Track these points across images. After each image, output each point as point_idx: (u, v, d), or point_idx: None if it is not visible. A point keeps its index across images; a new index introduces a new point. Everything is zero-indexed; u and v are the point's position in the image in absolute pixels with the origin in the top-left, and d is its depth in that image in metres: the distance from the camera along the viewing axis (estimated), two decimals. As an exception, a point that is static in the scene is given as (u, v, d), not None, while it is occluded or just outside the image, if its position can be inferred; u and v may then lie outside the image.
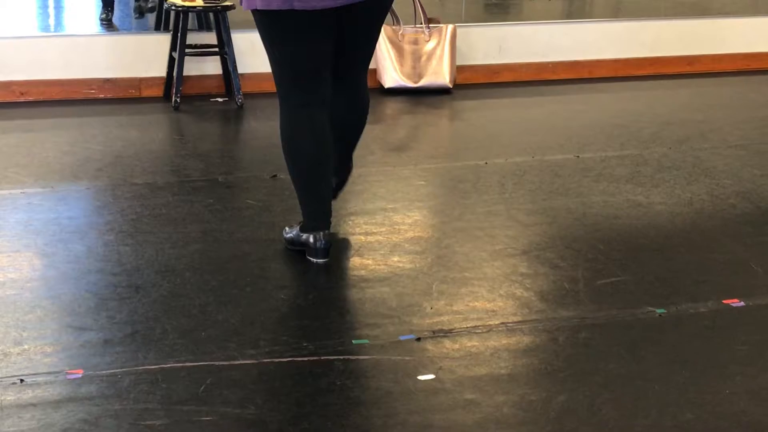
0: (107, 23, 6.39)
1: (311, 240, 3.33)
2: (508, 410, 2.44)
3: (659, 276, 3.27)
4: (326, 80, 3.26)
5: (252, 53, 5.88)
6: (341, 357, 2.70)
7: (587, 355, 2.74)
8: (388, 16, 5.87)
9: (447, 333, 2.84)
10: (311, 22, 3.12)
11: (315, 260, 3.33)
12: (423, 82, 5.98)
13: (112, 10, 6.39)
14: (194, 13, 5.86)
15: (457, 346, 2.77)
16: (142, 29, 6.52)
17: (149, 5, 6.35)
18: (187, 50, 5.57)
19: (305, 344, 2.76)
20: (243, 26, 5.84)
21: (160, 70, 5.80)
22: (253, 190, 4.11)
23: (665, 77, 6.61)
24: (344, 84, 3.36)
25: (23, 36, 5.92)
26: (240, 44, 5.75)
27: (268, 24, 3.20)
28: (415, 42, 5.94)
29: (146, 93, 5.82)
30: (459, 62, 6.21)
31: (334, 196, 3.49)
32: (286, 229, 3.48)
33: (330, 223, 3.36)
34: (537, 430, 2.35)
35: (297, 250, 3.40)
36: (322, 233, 3.32)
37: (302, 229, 3.37)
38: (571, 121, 5.41)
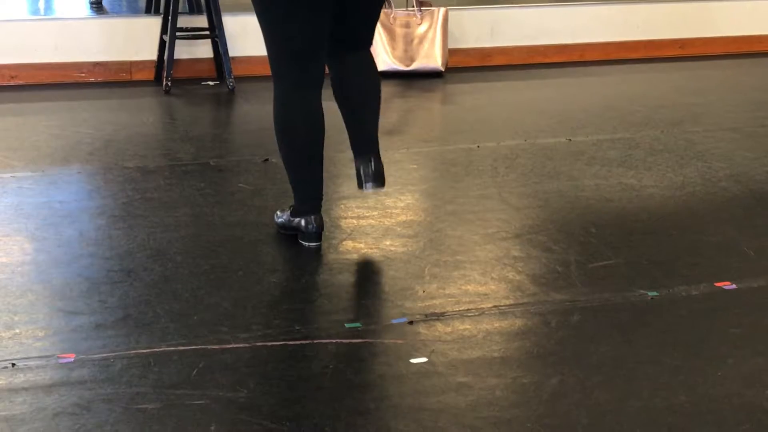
0: (97, 6, 6.36)
1: (303, 224, 3.32)
2: (500, 393, 2.44)
3: (651, 259, 3.27)
4: (321, 61, 3.25)
5: (243, 36, 5.86)
6: (333, 340, 2.70)
7: (579, 337, 2.74)
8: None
9: (439, 316, 2.84)
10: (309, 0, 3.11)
11: (307, 244, 3.33)
12: (415, 66, 5.96)
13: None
14: (185, -4, 5.84)
15: (449, 329, 2.77)
16: (133, 12, 6.49)
17: None
18: (177, 33, 5.55)
19: (297, 328, 2.76)
20: (234, 9, 5.82)
21: (150, 54, 5.78)
22: (244, 173, 4.10)
23: (657, 60, 6.60)
24: (350, 59, 3.33)
25: (13, 19, 5.89)
26: (231, 27, 5.73)
27: (266, 1, 3.18)
28: (407, 25, 5.93)
29: (137, 76, 5.80)
30: (451, 45, 6.20)
31: (383, 182, 3.37)
32: (278, 213, 3.48)
33: (321, 206, 3.36)
34: (529, 413, 2.35)
35: (289, 234, 3.40)
36: (313, 217, 3.32)
37: (293, 213, 3.36)
38: (563, 105, 5.41)
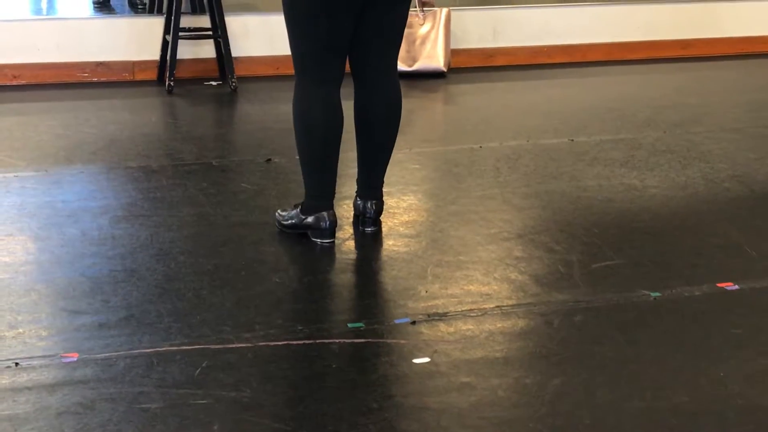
0: (100, 6, 6.36)
1: (316, 221, 3.32)
2: (503, 393, 2.44)
3: (654, 259, 3.28)
4: (343, 59, 3.27)
5: (246, 37, 5.87)
6: (336, 340, 2.70)
7: (582, 338, 2.74)
8: None
9: (442, 316, 2.84)
10: None
11: (321, 241, 3.33)
12: (417, 66, 5.96)
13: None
14: (188, -4, 5.84)
15: (452, 329, 2.77)
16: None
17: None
18: (180, 33, 5.55)
19: (300, 328, 2.76)
20: (236, 9, 5.83)
21: (153, 54, 5.78)
22: (247, 173, 4.10)
23: (660, 61, 6.60)
24: (370, 74, 3.36)
25: (16, 19, 5.90)
26: (234, 27, 5.74)
27: None
28: (410, 25, 5.93)
29: (140, 76, 5.80)
30: (453, 46, 6.20)
31: (374, 222, 3.48)
32: (279, 212, 3.47)
33: (333, 203, 3.36)
34: (532, 413, 2.36)
35: (297, 233, 3.39)
36: (326, 213, 3.32)
37: (304, 211, 3.36)
38: (566, 105, 5.41)
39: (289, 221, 3.42)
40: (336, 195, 3.41)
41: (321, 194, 3.33)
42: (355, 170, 3.51)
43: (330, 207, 3.33)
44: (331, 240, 3.34)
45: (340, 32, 3.21)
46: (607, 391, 2.45)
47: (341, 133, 3.32)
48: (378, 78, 3.37)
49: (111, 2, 6.40)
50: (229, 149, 4.59)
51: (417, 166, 4.26)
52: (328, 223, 3.32)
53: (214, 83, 5.77)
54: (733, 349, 2.68)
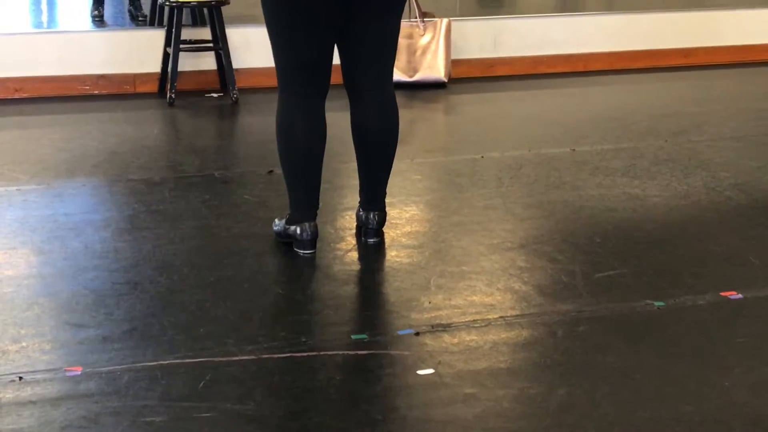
0: (99, 19, 6.38)
1: (297, 231, 3.33)
2: (507, 404, 2.44)
3: (657, 269, 3.27)
4: (325, 72, 3.28)
5: (246, 48, 5.88)
6: (340, 352, 2.70)
7: (586, 348, 2.74)
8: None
9: (446, 327, 2.84)
10: (315, 9, 3.13)
11: (302, 252, 3.34)
12: (418, 77, 5.97)
13: (102, 6, 6.39)
14: (188, 9, 5.85)
15: (455, 340, 2.76)
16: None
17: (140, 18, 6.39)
18: (181, 46, 5.56)
19: (304, 339, 2.76)
20: (237, 21, 5.84)
21: (154, 66, 5.79)
22: (249, 185, 4.10)
23: (661, 70, 6.61)
24: (369, 98, 3.35)
25: (17, 33, 5.91)
26: (234, 39, 5.74)
27: (273, 9, 3.20)
28: (410, 36, 5.94)
29: (141, 89, 5.81)
30: (454, 56, 6.20)
31: (376, 234, 3.47)
32: (276, 221, 3.48)
33: (316, 214, 3.36)
34: (537, 424, 2.35)
35: (285, 242, 3.40)
36: (308, 224, 3.32)
37: (289, 221, 3.37)
38: (567, 115, 5.41)
39: (277, 229, 3.43)
40: (339, 206, 3.41)
41: (303, 205, 3.34)
42: (356, 181, 3.52)
43: (312, 218, 3.34)
44: (311, 251, 3.34)
45: (319, 46, 3.21)
46: (612, 401, 2.45)
47: (324, 145, 3.32)
48: (370, 94, 3.36)
49: (108, 16, 6.41)
50: (231, 161, 4.59)
51: (419, 177, 4.26)
52: (308, 234, 3.32)
53: (215, 95, 5.78)
54: (738, 358, 2.68)
